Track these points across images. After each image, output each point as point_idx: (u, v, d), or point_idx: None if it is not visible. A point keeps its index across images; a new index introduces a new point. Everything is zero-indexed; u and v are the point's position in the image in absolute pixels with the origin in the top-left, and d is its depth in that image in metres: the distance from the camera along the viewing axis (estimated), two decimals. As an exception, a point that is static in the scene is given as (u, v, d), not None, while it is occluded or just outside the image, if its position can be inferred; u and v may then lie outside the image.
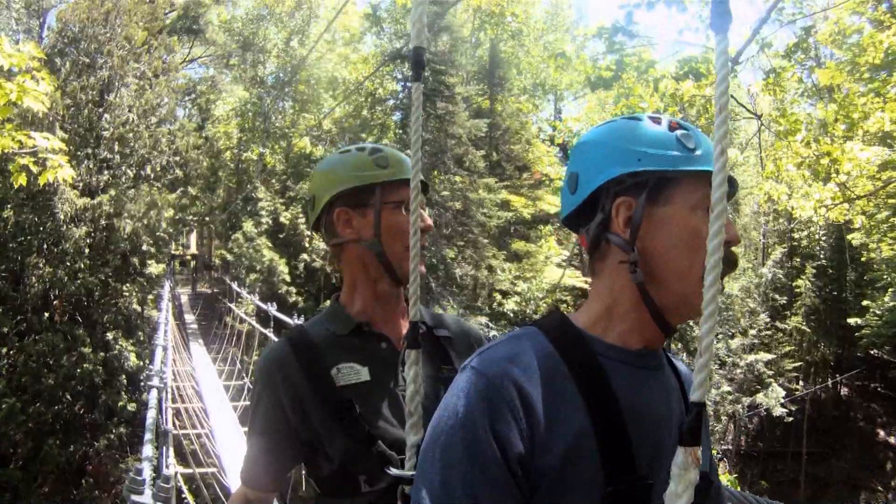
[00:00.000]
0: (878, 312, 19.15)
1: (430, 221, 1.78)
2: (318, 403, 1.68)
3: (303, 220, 27.01)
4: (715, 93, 1.04)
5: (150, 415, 9.03)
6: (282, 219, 27.14)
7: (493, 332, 13.41)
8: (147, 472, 6.37)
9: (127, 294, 18.37)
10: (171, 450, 9.91)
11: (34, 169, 6.66)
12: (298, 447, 1.76)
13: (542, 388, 1.10)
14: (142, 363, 17.98)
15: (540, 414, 1.08)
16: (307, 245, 26.87)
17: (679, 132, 1.21)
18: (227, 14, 31.10)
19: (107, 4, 18.04)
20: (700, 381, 1.01)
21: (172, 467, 8.31)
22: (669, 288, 1.18)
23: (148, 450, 7.76)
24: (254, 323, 19.65)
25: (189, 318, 26.19)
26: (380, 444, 1.64)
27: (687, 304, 1.18)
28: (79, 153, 17.23)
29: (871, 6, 15.38)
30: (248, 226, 26.05)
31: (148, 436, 8.37)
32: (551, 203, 31.13)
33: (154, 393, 9.73)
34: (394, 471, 1.58)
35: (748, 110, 10.10)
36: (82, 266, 17.13)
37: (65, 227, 16.68)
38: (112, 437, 16.49)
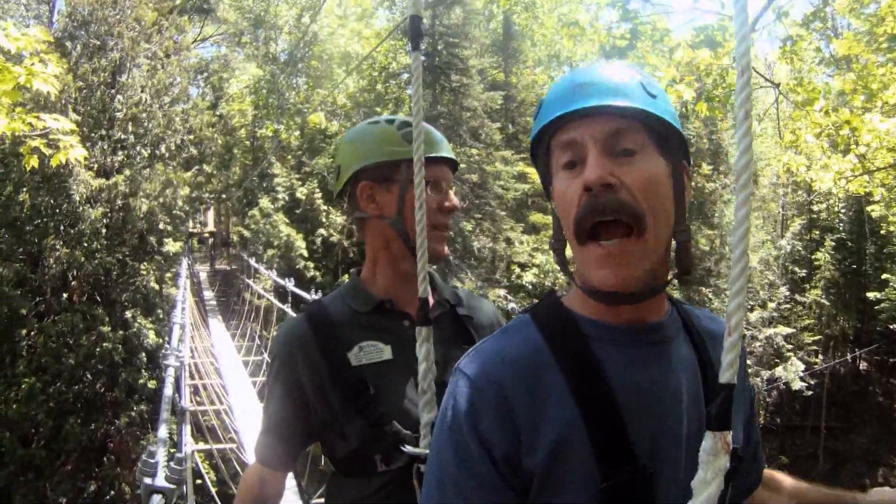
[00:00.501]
0: (896, 286, 18.93)
1: (455, 201, 1.82)
2: (335, 382, 1.68)
3: (319, 195, 27.04)
4: (735, 52, 1.01)
5: (167, 393, 9.09)
6: (298, 194, 27.08)
7: (511, 305, 13.38)
8: (160, 454, 6.41)
9: (145, 273, 18.44)
10: (189, 427, 9.97)
11: (46, 151, 6.66)
12: (314, 426, 1.75)
13: (525, 384, 1.09)
14: (161, 340, 18.07)
15: (523, 412, 1.07)
16: (324, 220, 26.82)
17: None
18: (237, -9, 30.89)
19: (116, -14, 17.99)
20: (729, 362, 0.98)
21: (189, 446, 8.36)
22: None
23: (163, 431, 7.80)
24: (272, 298, 19.69)
25: (208, 294, 26.32)
26: (394, 423, 1.63)
27: (579, 269, 1.18)
28: (92, 135, 17.26)
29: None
30: (265, 202, 26.02)
31: (164, 415, 8.42)
32: (570, 173, 31.03)
33: (171, 371, 9.81)
34: (409, 448, 1.58)
35: (766, 78, 9.95)
36: (99, 246, 17.20)
37: (81, 208, 16.73)
38: (133, 414, 16.69)
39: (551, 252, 1.25)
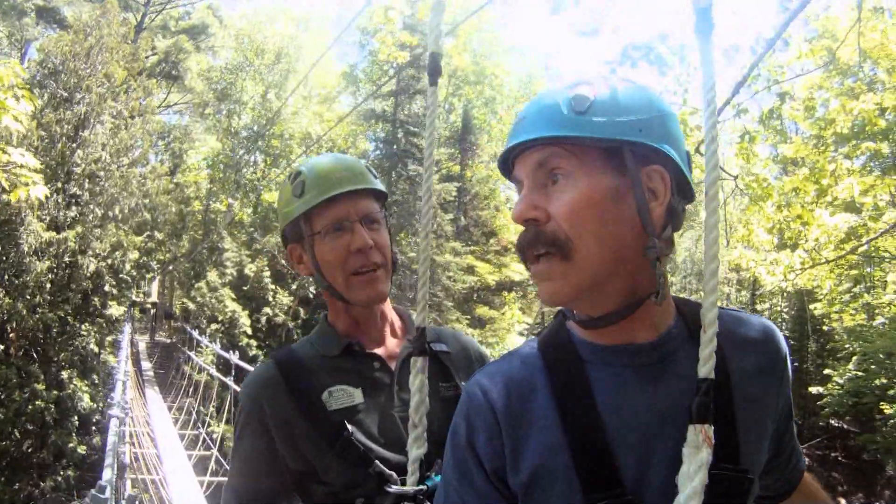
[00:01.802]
0: (839, 382, 19.40)
1: (365, 239, 1.67)
2: (309, 427, 1.60)
3: (268, 273, 26.97)
4: (702, 91, 1.12)
5: (111, 440, 8.83)
6: (247, 271, 26.98)
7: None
8: (109, 492, 6.10)
9: (85, 334, 17.88)
10: (129, 483, 9.57)
11: (5, 185, 6.47)
12: (286, 480, 1.66)
13: (516, 406, 1.13)
14: (96, 405, 17.55)
15: (509, 433, 1.11)
16: (271, 299, 26.70)
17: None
18: (206, 62, 31.35)
19: (90, 40, 18.07)
20: (706, 356, 1.03)
21: (128, 493, 8.02)
22: None
23: (108, 473, 7.47)
24: (214, 372, 19.30)
25: (146, 365, 25.55)
26: (377, 464, 1.56)
27: None
28: (49, 186, 16.89)
29: (837, 81, 16.06)
30: (213, 275, 25.82)
31: (109, 459, 8.12)
32: (516, 270, 31.46)
33: (115, 422, 9.51)
34: (394, 487, 1.53)
35: (725, 171, 10.32)
36: (42, 301, 16.70)
37: (28, 259, 16.24)
38: (59, 479, 15.95)
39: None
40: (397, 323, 1.86)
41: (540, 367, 1.16)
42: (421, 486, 1.47)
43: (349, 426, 1.59)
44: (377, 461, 1.57)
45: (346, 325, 1.77)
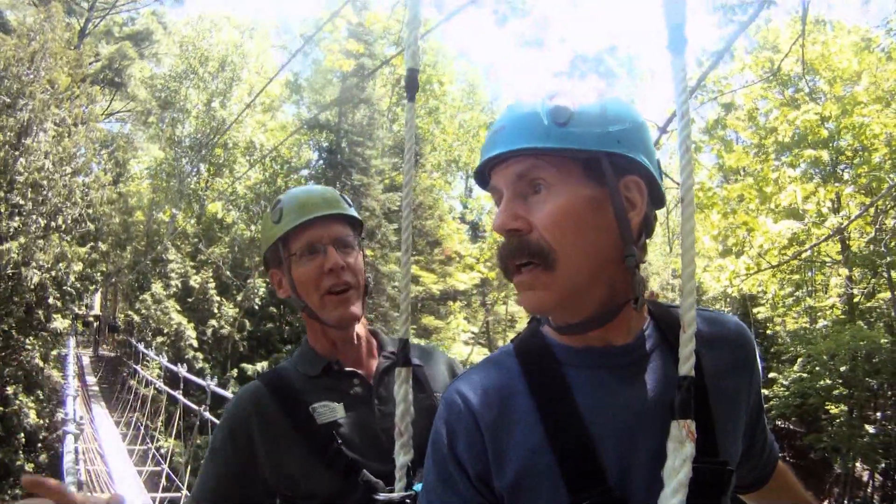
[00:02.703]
0: (784, 384, 19.84)
1: (336, 259, 1.77)
2: (297, 440, 1.67)
3: (213, 285, 26.56)
4: (676, 105, 1.15)
5: (68, 459, 8.54)
6: (192, 282, 26.53)
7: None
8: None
9: (30, 348, 17.39)
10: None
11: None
12: (252, 497, 1.71)
13: (496, 410, 1.14)
14: (41, 422, 16.98)
15: (491, 437, 1.13)
16: (216, 311, 26.27)
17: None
18: (150, 70, 30.71)
19: (34, 45, 17.57)
20: (686, 355, 1.06)
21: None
22: None
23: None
24: (161, 385, 18.90)
25: (91, 380, 24.82)
26: (364, 472, 1.63)
27: None
28: (-9, 196, 16.45)
29: (778, 91, 16.60)
30: (158, 287, 25.31)
31: (69, 479, 7.88)
32: (460, 280, 31.51)
33: (70, 439, 9.21)
34: (382, 496, 1.58)
35: (672, 180, 10.58)
36: (-17, 315, 16.11)
37: (-31, 271, 15.70)
38: (7, 497, 15.33)
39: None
40: (373, 343, 1.94)
41: (517, 372, 1.18)
42: (408, 493, 1.50)
43: (337, 438, 1.67)
44: (364, 470, 1.63)
45: (324, 346, 1.85)
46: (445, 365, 1.98)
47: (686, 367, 1.05)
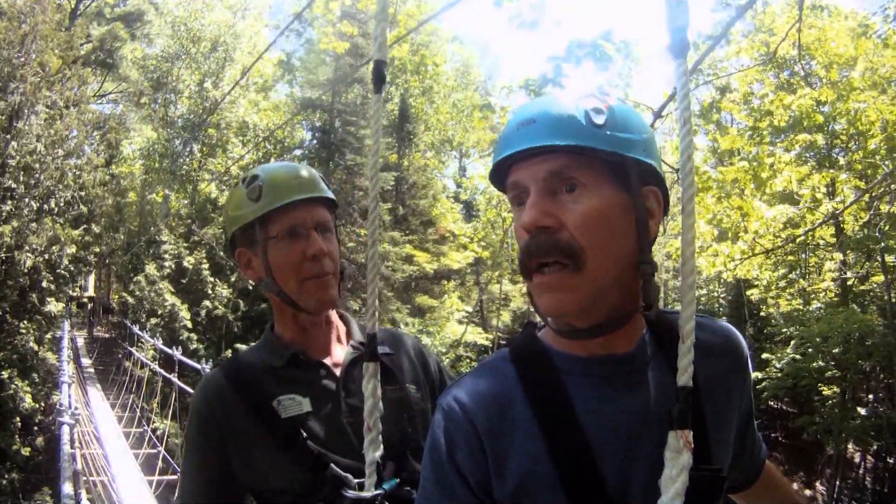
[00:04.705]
0: (777, 366, 19.85)
1: (319, 245, 1.71)
2: (263, 435, 1.63)
3: (206, 266, 26.54)
4: (677, 111, 1.15)
5: (65, 450, 8.60)
6: (185, 263, 26.49)
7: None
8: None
9: (24, 332, 17.37)
10: (84, 493, 9.35)
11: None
12: (236, 494, 1.70)
13: (495, 418, 1.14)
14: (37, 405, 17.03)
15: (491, 445, 1.12)
16: (210, 292, 26.29)
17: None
18: (142, 51, 30.49)
19: (24, 27, 17.35)
20: (685, 366, 1.07)
21: (87, 507, 7.84)
22: None
23: (67, 487, 7.33)
24: (156, 367, 18.94)
25: (86, 362, 24.87)
26: (332, 467, 1.60)
27: None
28: (-19, 179, 16.36)
29: (773, 74, 16.55)
30: (151, 269, 25.31)
31: (66, 472, 7.96)
32: (454, 259, 31.51)
33: (66, 430, 9.25)
34: (351, 493, 1.55)
35: (668, 165, 10.56)
36: (-23, 299, 16.08)
37: (-38, 256, 15.65)
38: (4, 482, 15.40)
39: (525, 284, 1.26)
40: (342, 328, 1.90)
41: (515, 379, 1.17)
42: (378, 492, 1.49)
43: (303, 432, 1.62)
44: (332, 465, 1.60)
45: (292, 332, 1.79)
46: (414, 350, 1.93)
47: (685, 377, 1.05)
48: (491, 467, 1.11)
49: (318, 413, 1.68)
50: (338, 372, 1.76)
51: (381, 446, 1.43)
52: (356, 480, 1.56)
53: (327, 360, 1.77)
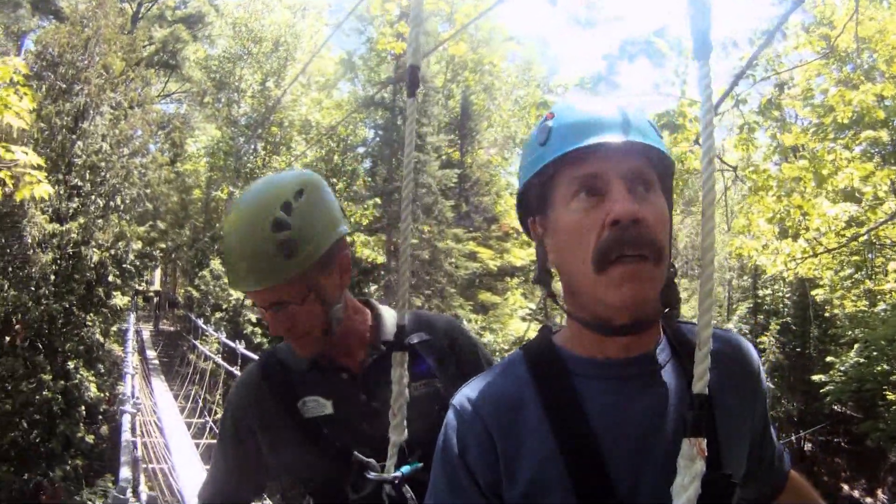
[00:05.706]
0: (841, 369, 19.23)
1: (273, 323, 1.68)
2: (290, 431, 1.73)
3: (270, 262, 26.92)
4: (700, 113, 1.15)
5: (125, 437, 8.93)
6: (250, 259, 26.95)
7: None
8: (129, 493, 6.24)
9: (90, 324, 17.99)
10: (143, 477, 9.69)
11: (9, 183, 6.46)
12: (262, 476, 1.86)
13: (507, 419, 1.15)
14: (102, 395, 17.68)
15: (503, 446, 1.13)
16: (274, 287, 26.66)
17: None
18: (204, 51, 31.31)
19: (87, 31, 18.02)
20: (700, 373, 1.05)
21: (145, 494, 8.10)
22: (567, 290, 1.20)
23: (125, 471, 7.60)
24: (219, 360, 19.38)
25: (150, 354, 25.65)
26: (355, 454, 1.65)
27: (586, 299, 1.16)
28: (49, 178, 16.89)
29: (836, 68, 15.93)
30: (216, 264, 25.82)
31: (124, 457, 8.25)
32: (518, 256, 31.38)
33: (127, 418, 9.60)
34: (373, 474, 1.59)
35: (724, 162, 10.30)
36: (47, 292, 16.79)
37: (32, 251, 16.37)
38: (68, 468, 15.95)
39: (538, 285, 1.30)
40: (368, 322, 1.88)
41: (527, 381, 1.19)
42: (397, 473, 1.52)
43: (325, 430, 1.71)
44: (355, 452, 1.65)
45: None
46: (446, 336, 1.90)
47: (700, 384, 1.04)
48: (502, 469, 1.13)
49: (339, 416, 1.74)
50: (359, 374, 1.80)
51: (406, 431, 1.48)
52: (380, 464, 1.60)
53: (349, 363, 1.81)
